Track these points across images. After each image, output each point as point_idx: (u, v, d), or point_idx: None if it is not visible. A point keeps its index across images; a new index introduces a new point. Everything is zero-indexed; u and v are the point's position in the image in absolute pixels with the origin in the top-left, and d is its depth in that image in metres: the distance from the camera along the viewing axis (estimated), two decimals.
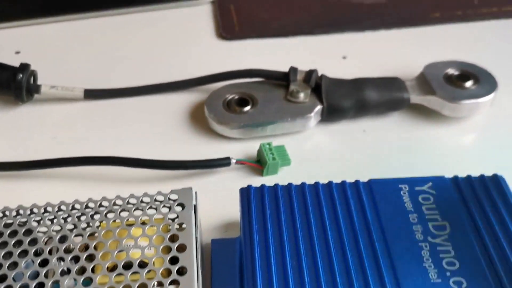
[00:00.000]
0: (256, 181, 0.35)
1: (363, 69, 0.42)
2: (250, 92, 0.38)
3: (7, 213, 0.27)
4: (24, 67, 0.37)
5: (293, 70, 0.38)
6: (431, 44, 0.45)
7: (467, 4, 0.49)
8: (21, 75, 0.37)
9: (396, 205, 0.26)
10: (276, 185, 0.28)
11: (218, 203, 0.33)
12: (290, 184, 0.28)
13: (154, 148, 0.36)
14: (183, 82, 0.40)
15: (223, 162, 0.34)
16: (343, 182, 0.27)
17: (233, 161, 0.34)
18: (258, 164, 0.35)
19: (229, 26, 0.47)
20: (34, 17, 0.47)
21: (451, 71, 0.39)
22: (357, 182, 0.27)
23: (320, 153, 0.36)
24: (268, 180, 0.35)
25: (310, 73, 0.38)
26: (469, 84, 0.38)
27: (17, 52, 0.44)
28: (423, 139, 0.37)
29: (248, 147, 0.36)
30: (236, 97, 0.37)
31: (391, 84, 0.38)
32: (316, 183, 0.28)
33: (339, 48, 0.45)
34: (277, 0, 0.50)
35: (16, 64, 0.38)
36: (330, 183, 0.28)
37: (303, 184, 0.28)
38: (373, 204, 0.26)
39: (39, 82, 0.39)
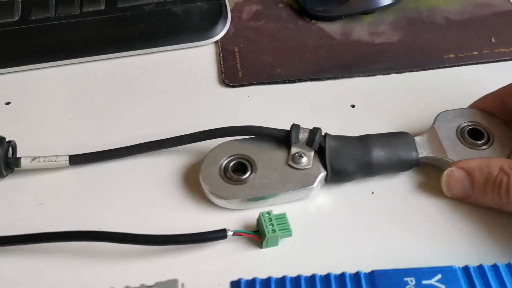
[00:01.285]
0: (255, 254, 0.32)
1: (372, 120, 0.40)
2: (249, 153, 0.35)
3: None
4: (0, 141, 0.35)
5: (295, 129, 0.35)
6: (444, 90, 0.42)
7: (483, 44, 0.46)
8: None
9: None
10: (269, 278, 0.25)
11: (212, 280, 0.31)
12: (284, 277, 0.25)
13: (145, 215, 0.34)
14: (175, 140, 0.37)
15: (219, 235, 0.32)
16: (343, 274, 0.25)
17: (230, 233, 0.32)
18: (257, 235, 0.33)
19: (232, 72, 0.44)
20: (26, 64, 0.45)
21: (464, 124, 0.36)
22: (358, 274, 0.25)
23: (324, 222, 0.34)
24: (268, 253, 0.33)
25: (313, 134, 0.35)
26: (483, 141, 0.35)
27: (8, 103, 0.42)
28: (438, 207, 0.34)
29: (247, 215, 0.34)
30: (233, 161, 0.35)
31: (400, 142, 0.35)
32: (313, 276, 0.25)
33: (348, 95, 0.42)
34: (284, 43, 0.47)
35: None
36: (328, 275, 0.25)
37: (299, 277, 0.25)
38: None
39: (23, 147, 0.37)
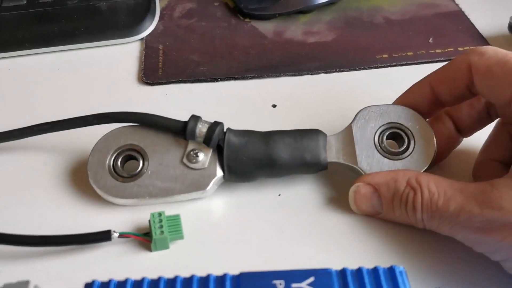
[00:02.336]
0: (144, 257, 0.30)
1: (291, 120, 0.38)
2: (142, 144, 0.32)
3: None
4: None
5: (193, 121, 0.31)
6: (371, 91, 0.40)
7: (420, 44, 0.44)
8: None
9: None
10: (127, 280, 0.23)
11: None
12: (143, 279, 0.23)
13: (23, 211, 0.32)
14: (67, 122, 0.33)
15: (102, 237, 0.29)
16: (208, 277, 0.23)
17: (116, 234, 0.29)
18: (146, 237, 0.30)
19: (152, 69, 0.42)
20: None
21: (384, 127, 0.32)
22: (224, 276, 0.23)
23: (221, 223, 0.31)
24: (157, 256, 0.30)
25: (211, 131, 0.31)
26: (401, 149, 0.31)
27: None
28: (341, 214, 0.32)
29: (141, 215, 0.31)
30: (124, 154, 0.32)
31: (308, 141, 0.31)
32: (175, 278, 0.23)
33: (271, 95, 0.40)
34: (214, 41, 0.45)
35: None
36: (192, 277, 0.23)
37: (159, 279, 0.23)
38: None
39: None
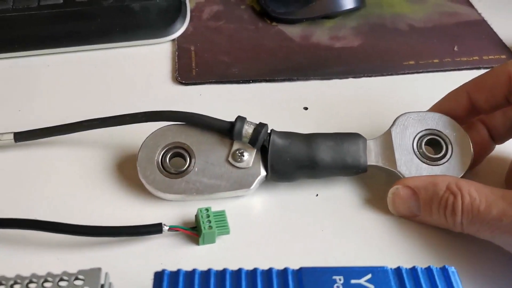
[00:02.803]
0: (191, 251, 0.31)
1: (324, 123, 0.39)
2: (189, 143, 0.33)
3: None
4: None
5: (240, 122, 0.33)
6: (402, 95, 0.41)
7: (445, 52, 0.46)
8: None
9: None
10: (194, 270, 0.24)
11: (146, 275, 0.30)
12: (209, 270, 0.24)
13: (78, 204, 0.33)
14: (118, 118, 0.35)
15: (154, 229, 0.31)
16: (270, 270, 0.24)
17: (166, 228, 0.31)
18: (194, 231, 0.31)
19: (186, 69, 0.44)
20: None
21: (423, 133, 0.33)
22: (285, 270, 0.24)
23: (263, 220, 0.33)
24: (204, 250, 0.32)
25: (257, 133, 0.32)
26: (439, 155, 0.33)
27: None
28: (381, 217, 0.33)
29: (186, 210, 0.33)
30: (172, 151, 0.33)
31: (349, 144, 0.33)
32: (239, 270, 0.24)
33: (302, 97, 0.41)
34: (242, 44, 0.46)
35: None
36: (255, 270, 0.24)
37: (224, 270, 0.24)
38: None
39: None
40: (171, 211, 0.33)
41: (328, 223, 0.33)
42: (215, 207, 0.32)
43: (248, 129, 0.33)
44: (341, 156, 0.32)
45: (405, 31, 0.48)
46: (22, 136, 0.35)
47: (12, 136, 0.35)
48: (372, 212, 0.33)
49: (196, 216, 0.32)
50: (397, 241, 0.32)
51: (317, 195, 0.34)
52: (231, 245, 0.31)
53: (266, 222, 0.33)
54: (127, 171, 0.35)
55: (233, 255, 0.31)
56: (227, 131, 0.33)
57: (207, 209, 0.32)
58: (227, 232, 0.31)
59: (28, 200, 0.34)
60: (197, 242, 0.32)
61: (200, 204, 0.32)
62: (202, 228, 0.31)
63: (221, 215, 0.32)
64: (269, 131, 0.33)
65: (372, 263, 0.26)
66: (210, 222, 0.31)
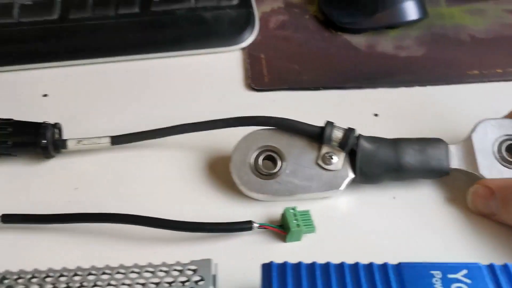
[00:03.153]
0: (278, 247, 0.33)
1: (394, 129, 0.41)
2: (279, 146, 0.35)
3: (22, 275, 0.26)
4: (46, 127, 0.37)
5: (329, 127, 0.35)
6: (470, 103, 0.43)
7: (507, 62, 0.47)
8: (44, 141, 0.37)
9: None
10: (299, 262, 0.26)
11: (237, 269, 0.32)
12: (314, 263, 0.26)
13: (172, 202, 0.36)
14: (210, 123, 0.37)
15: (245, 226, 0.33)
16: (371, 264, 0.26)
17: (255, 225, 0.33)
18: (281, 229, 0.33)
19: (259, 76, 0.46)
20: (63, 60, 0.46)
21: (503, 138, 0.35)
22: (386, 265, 0.26)
23: (346, 221, 0.35)
24: (291, 247, 0.33)
25: (347, 137, 0.34)
26: None
27: (45, 95, 0.44)
28: (460, 218, 0.35)
29: (271, 209, 0.35)
30: (264, 154, 0.35)
31: (433, 148, 0.35)
32: (342, 264, 0.26)
33: (372, 104, 0.43)
34: (310, 52, 0.48)
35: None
36: (356, 264, 0.26)
37: (327, 264, 0.26)
38: None
39: (65, 133, 0.39)
40: (256, 210, 0.35)
41: (409, 222, 0.35)
42: (300, 207, 0.34)
43: (337, 134, 0.35)
44: (426, 159, 0.34)
45: (467, 42, 0.49)
46: (118, 140, 0.38)
47: (109, 139, 0.38)
48: (452, 212, 0.35)
49: (283, 215, 0.34)
50: (476, 239, 0.33)
51: (394, 197, 0.36)
52: (317, 243, 0.33)
53: (349, 221, 0.35)
54: (217, 172, 0.37)
55: (319, 252, 0.33)
56: (316, 135, 0.35)
57: (293, 209, 0.34)
58: (313, 231, 0.33)
59: (124, 199, 0.36)
60: (283, 240, 0.33)
61: (287, 204, 0.34)
62: (291, 226, 0.33)
63: (306, 215, 0.34)
64: (356, 135, 0.35)
65: (454, 260, 0.27)
66: (297, 220, 0.33)
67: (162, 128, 0.38)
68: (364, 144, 0.35)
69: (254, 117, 0.36)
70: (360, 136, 0.35)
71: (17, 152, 0.37)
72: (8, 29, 0.46)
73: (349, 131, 0.35)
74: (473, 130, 0.36)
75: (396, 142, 0.35)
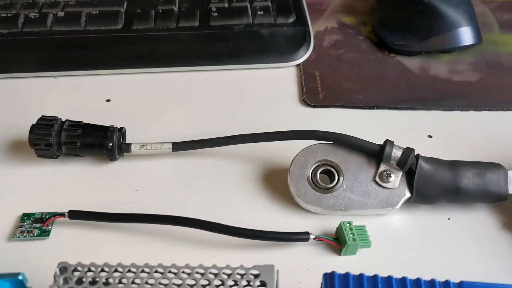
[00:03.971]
0: (333, 260, 0.34)
1: (448, 151, 0.41)
2: (337, 161, 0.36)
3: (93, 268, 0.27)
4: (114, 130, 0.39)
5: (389, 145, 0.35)
6: None
7: None
8: (111, 144, 0.38)
9: None
10: (361, 274, 0.27)
11: (292, 278, 0.33)
12: (376, 276, 0.27)
13: (230, 208, 0.37)
14: (268, 135, 0.38)
15: (302, 237, 0.34)
16: (433, 281, 0.26)
17: (312, 236, 0.34)
18: (337, 242, 0.34)
19: (313, 93, 0.47)
20: (125, 67, 0.48)
21: None
22: (447, 282, 0.26)
23: (400, 238, 0.35)
24: (346, 261, 0.34)
25: (407, 156, 0.35)
26: None
27: (108, 100, 0.45)
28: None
29: (326, 222, 0.36)
30: (322, 168, 0.36)
31: (491, 173, 0.35)
32: (404, 278, 0.26)
33: (425, 126, 0.44)
34: (363, 72, 0.49)
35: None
36: (418, 280, 0.26)
37: (389, 277, 0.26)
38: None
39: (128, 139, 0.40)
40: (311, 223, 0.36)
41: (463, 243, 0.35)
42: (355, 222, 0.34)
43: (396, 152, 0.35)
44: (484, 183, 0.34)
45: None
46: (179, 146, 0.39)
47: (170, 145, 0.39)
48: (509, 237, 0.35)
49: (339, 228, 0.34)
50: None
51: (449, 218, 0.36)
52: (371, 258, 0.34)
53: (403, 239, 0.35)
54: (274, 183, 0.38)
55: (373, 267, 0.33)
56: (376, 152, 0.36)
57: (349, 223, 0.34)
58: (369, 246, 0.34)
59: (183, 203, 0.37)
60: (338, 253, 0.34)
61: (342, 219, 0.35)
62: (347, 239, 0.33)
63: (362, 230, 0.34)
64: (415, 155, 0.35)
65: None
66: (353, 235, 0.34)
67: (222, 137, 0.39)
68: (423, 164, 0.35)
69: (313, 132, 0.37)
70: (418, 156, 0.35)
71: (84, 153, 0.39)
72: (75, 36, 0.48)
73: (408, 151, 0.35)
74: None
75: (455, 164, 0.35)
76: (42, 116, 0.39)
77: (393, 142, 0.35)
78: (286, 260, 0.34)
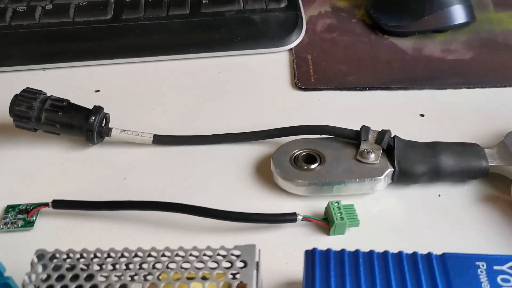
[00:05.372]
0: (322, 240, 0.33)
1: (440, 130, 0.41)
2: (319, 149, 0.37)
3: (71, 255, 0.27)
4: (97, 110, 0.39)
5: (365, 129, 0.37)
6: None
7: None
8: (93, 118, 0.38)
9: (472, 284, 0.24)
10: (342, 250, 0.26)
11: (281, 260, 0.32)
12: (357, 251, 0.26)
13: (217, 198, 0.36)
14: (252, 134, 0.39)
15: (289, 218, 0.33)
16: (415, 254, 0.26)
17: (299, 217, 0.33)
18: (325, 222, 0.34)
19: (305, 76, 0.46)
20: (115, 57, 0.48)
21: None
22: (429, 254, 0.26)
23: (390, 216, 0.35)
24: (335, 240, 0.34)
25: (383, 133, 0.36)
26: None
27: (97, 91, 0.45)
28: (504, 215, 0.35)
29: (315, 205, 0.35)
30: (304, 153, 0.37)
31: (469, 151, 0.36)
32: (386, 252, 0.26)
33: (417, 105, 0.43)
34: (356, 54, 0.49)
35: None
36: (400, 253, 0.26)
37: (371, 252, 0.26)
38: (447, 280, 0.25)
39: (110, 125, 0.40)
40: (301, 205, 0.35)
41: (452, 219, 0.34)
42: (344, 202, 0.34)
43: (373, 134, 0.36)
44: (464, 158, 0.35)
45: None
46: (161, 139, 0.39)
47: (151, 137, 0.39)
48: (494, 208, 0.35)
49: (327, 208, 0.34)
50: None
51: (439, 195, 0.36)
52: (360, 237, 0.33)
53: (393, 217, 0.35)
54: (263, 173, 0.38)
55: (362, 246, 0.32)
56: (355, 135, 0.37)
57: (337, 202, 0.34)
58: (357, 224, 0.33)
59: (166, 192, 0.37)
60: (327, 233, 0.34)
61: (329, 199, 0.34)
62: (335, 218, 0.33)
63: (350, 208, 0.34)
64: (392, 136, 0.37)
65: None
66: (341, 214, 0.33)
67: (204, 136, 0.39)
68: (401, 140, 0.36)
69: (292, 128, 0.39)
70: (395, 136, 0.37)
71: (63, 133, 0.39)
72: (64, 28, 0.48)
73: (384, 131, 0.37)
74: (505, 137, 0.37)
75: (432, 143, 0.36)
76: (27, 87, 0.38)
77: (369, 127, 0.37)
78: (275, 241, 0.33)
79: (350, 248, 0.32)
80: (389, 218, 0.35)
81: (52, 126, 0.38)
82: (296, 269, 0.30)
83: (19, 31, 0.48)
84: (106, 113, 0.39)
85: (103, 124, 0.39)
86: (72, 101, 0.40)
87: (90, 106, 0.40)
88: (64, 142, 0.40)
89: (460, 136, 0.40)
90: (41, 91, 0.39)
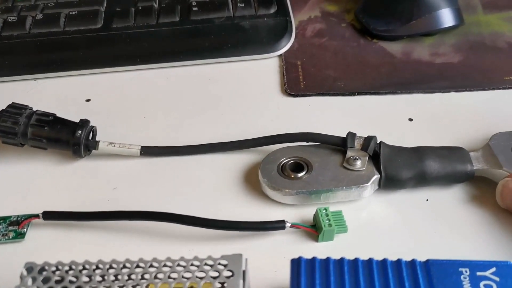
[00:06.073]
0: (311, 247, 0.34)
1: (429, 134, 0.41)
2: (306, 156, 0.37)
3: (60, 267, 0.28)
4: (83, 123, 0.39)
5: (351, 136, 0.37)
6: (502, 110, 0.43)
7: None
8: (79, 132, 0.38)
9: None
10: (328, 258, 0.27)
11: (269, 267, 0.33)
12: (342, 259, 0.27)
13: (205, 207, 0.36)
14: (239, 143, 0.40)
15: (278, 225, 0.34)
16: (399, 261, 0.26)
17: (288, 224, 0.34)
18: (314, 229, 0.34)
19: (294, 82, 0.47)
20: (106, 66, 0.48)
21: None
22: (413, 261, 0.26)
23: (378, 222, 0.35)
24: (323, 247, 0.34)
25: (369, 140, 0.37)
26: None
27: (88, 100, 0.46)
28: (490, 218, 0.35)
29: (303, 212, 0.36)
30: (291, 161, 0.37)
31: (454, 155, 0.36)
32: (370, 260, 0.26)
33: (406, 109, 0.43)
34: (346, 59, 0.49)
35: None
36: (385, 260, 0.26)
37: (356, 259, 0.26)
38: (430, 287, 0.25)
39: (101, 134, 0.40)
40: (289, 213, 0.36)
41: (440, 223, 0.35)
42: (332, 208, 0.34)
43: (359, 140, 0.37)
44: (449, 161, 0.35)
45: (504, 48, 0.49)
46: (148, 151, 0.39)
47: (139, 148, 0.39)
48: (481, 211, 0.35)
49: (315, 215, 0.34)
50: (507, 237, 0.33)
51: (427, 200, 0.36)
52: (349, 243, 0.34)
53: (381, 223, 0.35)
54: (250, 182, 0.38)
55: (351, 252, 0.33)
56: (341, 142, 0.37)
57: (325, 209, 0.34)
58: (345, 231, 0.34)
59: (150, 202, 0.37)
60: (316, 239, 0.34)
61: (318, 206, 0.34)
62: (323, 225, 0.33)
63: (338, 215, 0.34)
64: (378, 142, 0.37)
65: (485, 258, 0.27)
66: (329, 220, 0.34)
67: (193, 146, 0.40)
68: (386, 146, 0.37)
69: (279, 135, 0.39)
70: (381, 142, 0.37)
71: (50, 148, 0.39)
72: (55, 38, 0.49)
73: (370, 137, 0.37)
74: (489, 140, 0.37)
75: (417, 148, 0.37)
76: (12, 103, 0.39)
77: (355, 134, 0.37)
78: (264, 249, 0.34)
79: (339, 254, 0.32)
80: (377, 223, 0.35)
81: (39, 141, 0.38)
82: (285, 277, 0.30)
83: (10, 42, 0.48)
84: (92, 126, 0.40)
85: (90, 137, 0.39)
86: (63, 111, 0.40)
87: (81, 116, 0.40)
88: (53, 156, 0.40)
89: (449, 140, 0.40)
90: (27, 106, 0.39)
